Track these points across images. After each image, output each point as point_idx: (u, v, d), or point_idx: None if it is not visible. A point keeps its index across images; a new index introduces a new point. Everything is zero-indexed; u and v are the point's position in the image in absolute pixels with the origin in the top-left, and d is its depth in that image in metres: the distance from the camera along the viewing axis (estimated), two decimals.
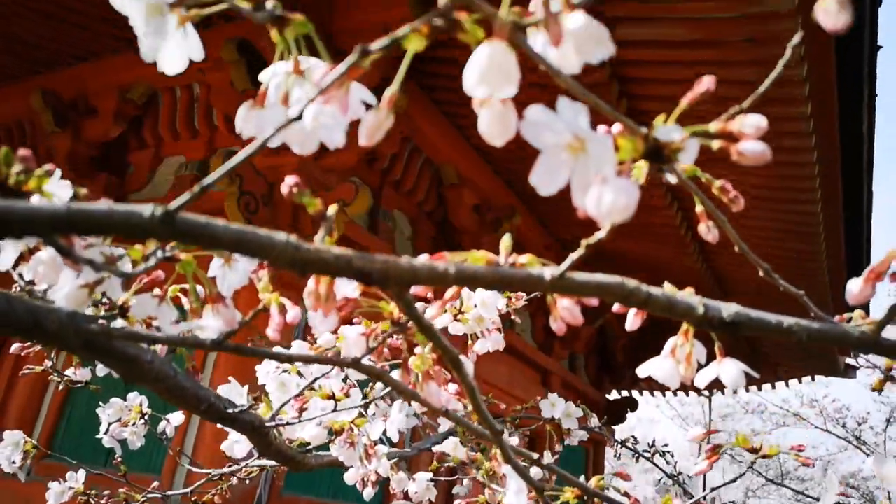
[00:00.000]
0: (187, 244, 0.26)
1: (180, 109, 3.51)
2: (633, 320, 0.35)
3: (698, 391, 10.16)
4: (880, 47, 2.65)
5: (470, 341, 0.63)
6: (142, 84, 3.50)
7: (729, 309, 0.29)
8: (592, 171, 0.23)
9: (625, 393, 7.27)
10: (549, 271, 0.29)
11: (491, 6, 0.22)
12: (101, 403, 0.84)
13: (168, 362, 0.43)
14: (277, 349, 0.46)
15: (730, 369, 0.35)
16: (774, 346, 6.85)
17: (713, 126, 0.26)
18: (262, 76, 0.31)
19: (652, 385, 8.36)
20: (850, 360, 7.48)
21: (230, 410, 0.48)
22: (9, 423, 3.24)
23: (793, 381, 8.25)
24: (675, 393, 9.20)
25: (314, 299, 0.31)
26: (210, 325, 0.37)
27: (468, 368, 0.33)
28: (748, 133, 0.25)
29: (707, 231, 0.32)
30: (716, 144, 0.25)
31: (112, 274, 0.30)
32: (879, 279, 0.31)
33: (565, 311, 0.32)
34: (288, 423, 0.54)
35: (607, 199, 0.23)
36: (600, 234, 0.27)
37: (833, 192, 3.21)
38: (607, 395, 6.89)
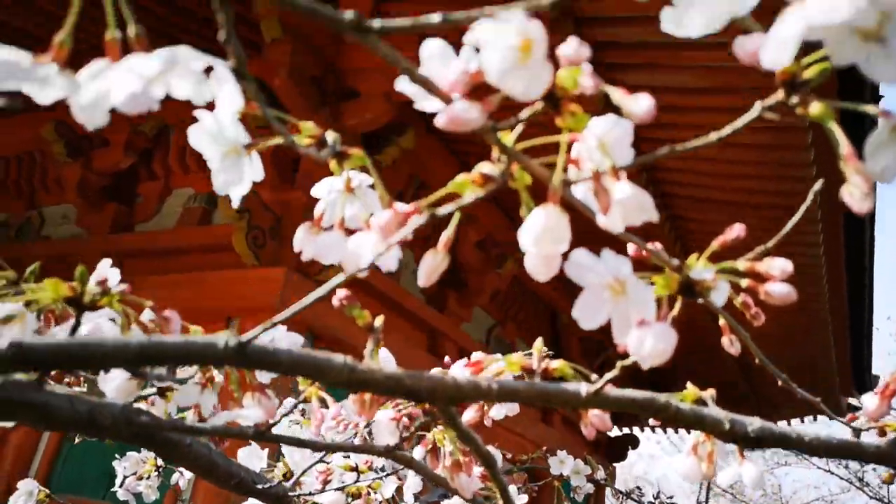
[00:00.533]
0: (254, 369, 0.27)
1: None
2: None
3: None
4: None
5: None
6: (154, 118, 3.55)
7: (753, 424, 0.31)
8: (633, 312, 0.25)
9: (626, 430, 7.21)
10: (585, 387, 0.30)
11: (543, 163, 0.24)
12: None
13: (204, 443, 0.45)
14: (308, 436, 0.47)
15: (750, 471, 0.37)
16: (776, 388, 6.84)
17: (741, 265, 0.28)
18: (316, 191, 0.33)
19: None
20: (852, 401, 7.45)
21: (259, 486, 0.49)
22: (9, 450, 3.22)
23: (795, 421, 8.20)
24: (676, 430, 9.12)
25: (359, 406, 0.33)
26: (250, 414, 0.39)
27: (498, 463, 0.35)
28: (775, 275, 0.27)
29: (730, 344, 0.34)
30: (744, 283, 0.27)
31: (174, 383, 0.31)
32: (893, 395, 0.32)
33: (596, 419, 0.34)
34: (311, 494, 0.55)
35: (648, 343, 0.25)
36: (633, 358, 0.29)
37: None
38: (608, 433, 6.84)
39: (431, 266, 0.26)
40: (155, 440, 0.40)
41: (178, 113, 3.54)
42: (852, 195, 0.21)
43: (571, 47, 0.21)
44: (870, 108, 0.22)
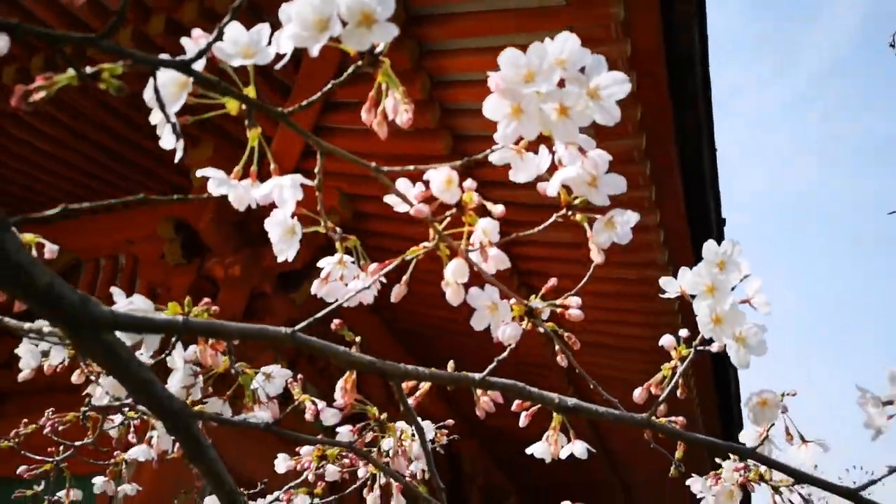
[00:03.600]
0: (308, 352, 0.48)
1: (102, 278, 3.62)
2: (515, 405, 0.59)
3: None
4: None
5: None
6: (66, 253, 3.62)
7: (572, 400, 0.55)
8: (500, 319, 0.50)
9: None
10: (478, 376, 0.53)
11: (453, 234, 0.49)
12: None
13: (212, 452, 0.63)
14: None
15: (578, 446, 0.59)
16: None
17: (558, 301, 0.53)
18: (322, 263, 0.56)
19: None
20: None
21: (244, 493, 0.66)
22: None
23: None
24: None
25: (343, 392, 0.54)
26: (260, 416, 0.59)
27: (427, 437, 0.56)
28: (572, 307, 0.52)
29: (562, 359, 0.58)
30: (558, 310, 0.52)
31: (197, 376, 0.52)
32: None
33: (486, 404, 0.56)
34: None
35: (508, 333, 0.48)
36: (496, 364, 0.53)
37: None
38: None
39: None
40: (191, 435, 0.58)
41: (92, 251, 3.63)
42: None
43: (469, 186, 0.47)
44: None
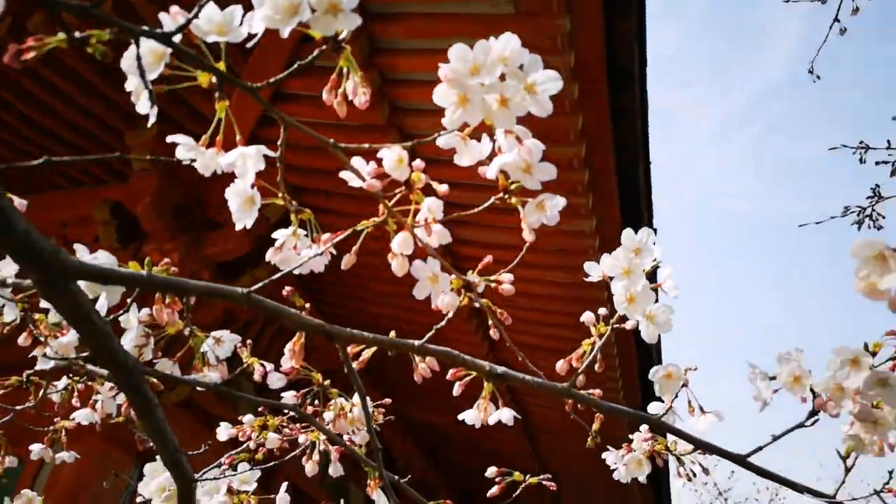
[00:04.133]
0: (260, 312, 0.52)
1: None
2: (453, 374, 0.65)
3: None
4: None
5: None
6: None
7: (500, 368, 0.60)
8: (441, 289, 0.55)
9: None
10: (417, 342, 0.58)
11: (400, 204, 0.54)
12: None
13: (159, 411, 0.66)
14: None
15: (506, 413, 0.65)
16: None
17: (493, 277, 0.58)
18: (277, 234, 0.60)
19: None
20: None
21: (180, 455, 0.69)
22: None
23: None
24: None
25: (292, 354, 0.58)
26: (211, 376, 0.62)
27: (368, 404, 0.61)
28: (504, 282, 0.57)
29: (495, 332, 0.63)
30: (493, 284, 0.58)
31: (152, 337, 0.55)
32: None
33: (424, 370, 0.61)
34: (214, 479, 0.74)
35: (445, 299, 0.54)
36: (427, 339, 0.58)
37: None
38: None
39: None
40: (141, 393, 0.61)
41: None
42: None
43: (418, 165, 0.52)
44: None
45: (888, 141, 1.56)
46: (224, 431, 0.80)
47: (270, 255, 0.58)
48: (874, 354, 0.55)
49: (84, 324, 0.49)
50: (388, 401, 0.93)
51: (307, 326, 0.54)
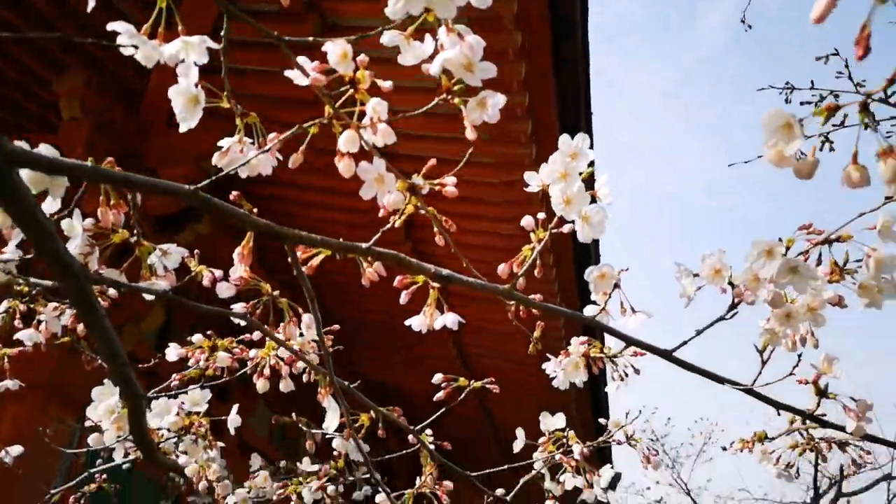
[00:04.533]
0: (212, 214, 0.53)
1: None
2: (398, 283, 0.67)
3: None
4: None
5: None
6: None
7: (445, 271, 0.63)
8: (387, 189, 0.57)
9: None
10: (364, 245, 0.60)
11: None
12: None
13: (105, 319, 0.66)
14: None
15: (450, 317, 0.68)
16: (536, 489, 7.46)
17: (437, 181, 0.61)
18: (223, 142, 0.61)
19: None
20: (601, 497, 8.29)
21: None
22: None
23: None
24: None
25: (241, 258, 0.59)
26: (160, 284, 0.63)
27: (316, 306, 0.63)
28: (448, 184, 0.60)
29: (440, 239, 0.66)
30: (437, 187, 0.60)
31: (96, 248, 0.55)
32: None
33: (372, 274, 0.63)
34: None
35: (389, 198, 0.56)
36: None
37: None
38: None
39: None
40: (90, 309, 0.61)
41: None
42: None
43: (363, 61, 0.53)
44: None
45: (811, 81, 1.64)
46: (173, 351, 0.81)
47: (217, 160, 0.58)
48: (788, 248, 0.60)
49: (28, 220, 0.49)
50: (336, 327, 0.96)
51: (255, 226, 0.55)
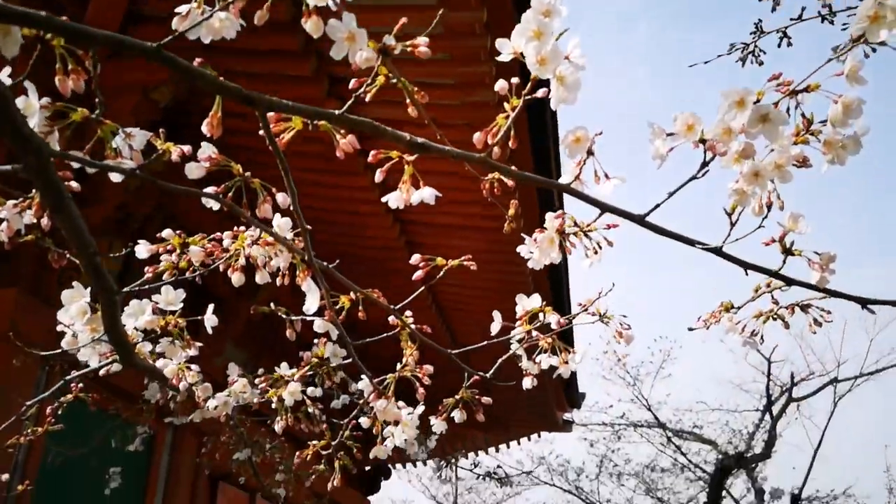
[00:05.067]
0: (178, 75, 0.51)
1: None
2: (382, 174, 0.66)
3: (448, 463, 10.86)
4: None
5: None
6: None
7: (421, 139, 0.62)
8: (358, 47, 0.55)
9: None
10: (337, 112, 0.59)
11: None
12: None
13: (73, 206, 0.64)
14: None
15: (427, 191, 0.68)
16: (506, 407, 7.71)
17: (409, 42, 0.59)
18: (180, 8, 0.58)
19: (402, 457, 8.70)
20: (566, 416, 8.62)
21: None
22: None
23: (525, 441, 9.08)
24: (424, 463, 9.67)
25: (210, 127, 0.57)
26: (127, 163, 0.61)
27: (291, 178, 0.62)
28: (420, 45, 0.58)
29: (413, 110, 0.65)
30: (409, 48, 0.58)
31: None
32: None
33: (346, 145, 0.62)
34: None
35: (363, 55, 0.54)
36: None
37: None
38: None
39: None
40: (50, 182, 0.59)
41: None
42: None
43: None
44: None
45: None
46: (143, 248, 0.79)
47: (176, 23, 0.56)
48: (758, 99, 0.60)
49: None
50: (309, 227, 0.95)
51: (224, 89, 0.53)
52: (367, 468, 7.03)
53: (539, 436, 9.07)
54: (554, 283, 4.48)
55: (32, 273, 2.90)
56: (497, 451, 9.44)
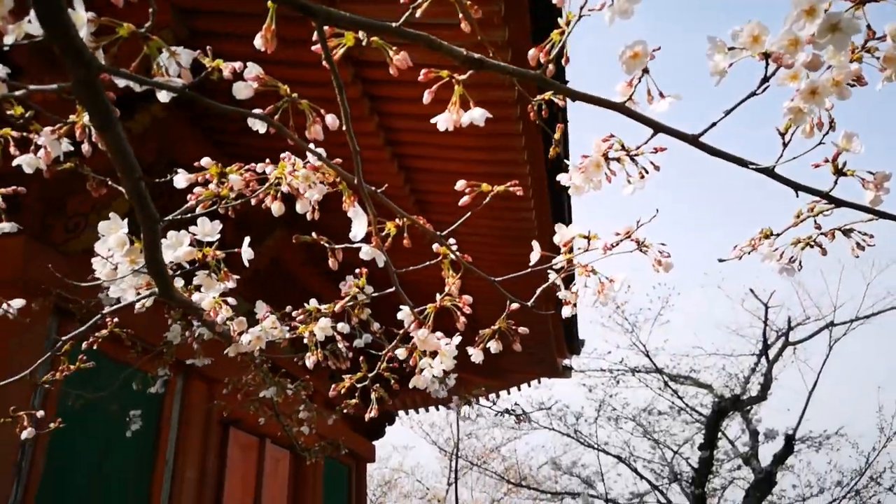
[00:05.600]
0: None
1: None
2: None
3: (447, 406, 11.04)
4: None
5: None
6: None
7: (477, 55, 0.60)
8: None
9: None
10: (394, 24, 0.57)
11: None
12: None
13: (120, 127, 0.62)
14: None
15: (478, 111, 0.66)
16: (508, 357, 7.82)
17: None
18: None
19: (406, 402, 8.85)
20: (566, 362, 8.75)
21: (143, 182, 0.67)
22: None
23: (525, 387, 9.21)
24: (426, 409, 9.83)
25: (264, 41, 0.55)
26: (175, 81, 0.59)
27: (345, 96, 0.60)
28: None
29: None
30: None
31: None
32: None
33: (400, 61, 0.60)
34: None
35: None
36: None
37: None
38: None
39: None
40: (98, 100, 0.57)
41: None
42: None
43: None
44: None
45: None
46: (182, 178, 0.78)
47: None
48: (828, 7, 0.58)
49: None
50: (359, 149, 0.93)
51: None
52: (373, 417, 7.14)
53: (539, 382, 9.20)
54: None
55: (40, 221, 2.88)
56: (497, 397, 9.59)
